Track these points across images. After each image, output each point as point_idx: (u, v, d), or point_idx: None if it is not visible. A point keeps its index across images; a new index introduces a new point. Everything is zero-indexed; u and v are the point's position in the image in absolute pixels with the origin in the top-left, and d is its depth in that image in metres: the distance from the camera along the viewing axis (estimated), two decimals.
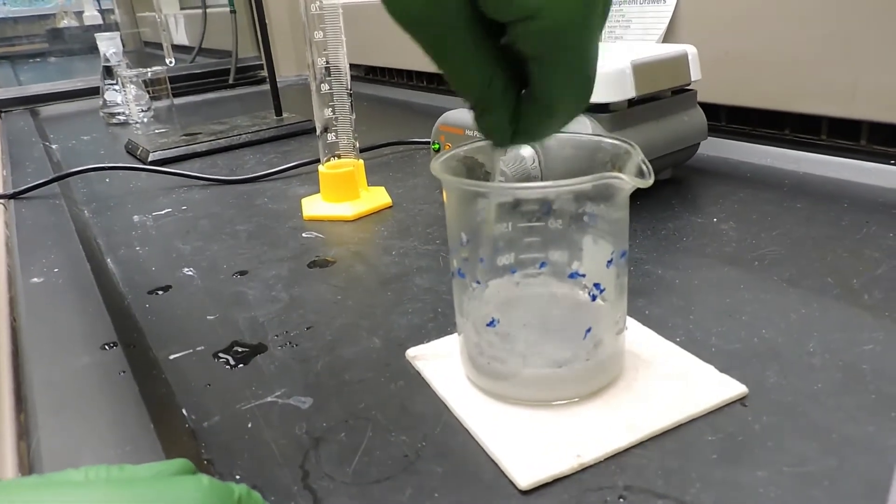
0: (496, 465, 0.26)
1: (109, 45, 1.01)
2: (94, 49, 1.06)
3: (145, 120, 1.03)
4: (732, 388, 0.29)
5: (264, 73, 1.20)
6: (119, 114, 1.04)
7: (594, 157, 0.30)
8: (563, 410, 0.29)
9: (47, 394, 0.33)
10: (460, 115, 0.57)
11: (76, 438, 0.29)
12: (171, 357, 0.36)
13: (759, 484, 0.24)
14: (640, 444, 0.27)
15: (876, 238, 0.44)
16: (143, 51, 2.12)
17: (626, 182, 0.26)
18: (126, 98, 1.02)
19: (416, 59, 1.10)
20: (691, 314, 0.36)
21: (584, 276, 0.28)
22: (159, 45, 1.15)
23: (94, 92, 1.12)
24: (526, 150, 0.44)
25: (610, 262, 0.28)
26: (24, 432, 0.31)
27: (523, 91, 0.23)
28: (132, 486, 0.18)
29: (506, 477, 0.26)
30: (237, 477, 0.27)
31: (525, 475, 0.25)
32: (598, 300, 0.28)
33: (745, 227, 0.47)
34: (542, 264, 0.28)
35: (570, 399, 0.29)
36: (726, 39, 0.64)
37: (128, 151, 0.85)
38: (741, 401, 0.29)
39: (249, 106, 1.11)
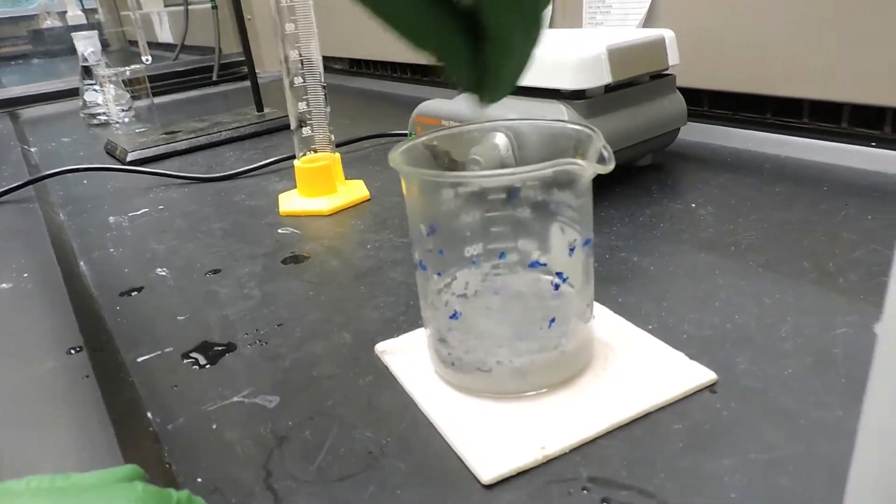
0: (461, 459, 0.26)
1: (87, 45, 0.99)
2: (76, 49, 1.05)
3: (126, 120, 1.02)
4: (701, 375, 0.29)
5: None
6: (100, 114, 1.03)
7: (557, 142, 0.29)
8: (530, 402, 0.28)
9: (7, 401, 0.32)
10: (436, 104, 0.57)
11: (35, 445, 0.29)
12: (139, 359, 0.36)
13: (725, 472, 0.24)
14: (607, 434, 0.26)
15: (854, 221, 0.44)
16: (129, 49, 2.10)
17: (586, 168, 0.25)
18: (106, 98, 1.01)
19: (399, 50, 1.09)
20: (665, 301, 0.36)
21: (545, 265, 0.28)
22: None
23: (75, 93, 1.11)
24: (500, 139, 0.43)
25: (572, 249, 0.27)
26: None
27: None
28: (70, 496, 0.18)
29: (469, 471, 0.25)
30: (199, 479, 0.27)
31: (488, 469, 0.25)
32: (562, 289, 0.28)
33: (723, 213, 0.47)
34: (502, 255, 0.28)
35: (538, 390, 0.28)
36: (707, 23, 0.64)
37: (107, 152, 0.84)
38: (710, 388, 0.28)
39: (233, 103, 1.10)
